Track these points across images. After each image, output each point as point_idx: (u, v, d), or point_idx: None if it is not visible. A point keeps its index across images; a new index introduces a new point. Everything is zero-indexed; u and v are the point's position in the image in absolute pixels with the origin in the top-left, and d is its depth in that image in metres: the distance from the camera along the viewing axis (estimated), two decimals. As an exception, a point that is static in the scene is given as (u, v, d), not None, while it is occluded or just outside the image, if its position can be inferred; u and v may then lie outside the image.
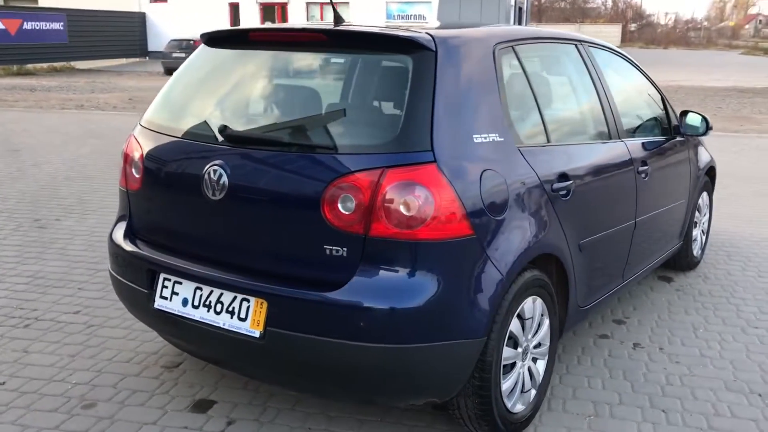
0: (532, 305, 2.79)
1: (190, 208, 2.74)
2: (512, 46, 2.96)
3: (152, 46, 36.33)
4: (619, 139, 3.55)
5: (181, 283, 2.72)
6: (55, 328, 3.81)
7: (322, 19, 34.92)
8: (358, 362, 2.40)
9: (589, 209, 3.18)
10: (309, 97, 2.83)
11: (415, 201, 2.34)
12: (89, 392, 3.15)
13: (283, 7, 35.18)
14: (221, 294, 2.61)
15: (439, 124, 2.44)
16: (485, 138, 2.60)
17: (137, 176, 2.94)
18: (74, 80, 23.85)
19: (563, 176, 2.95)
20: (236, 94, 3.00)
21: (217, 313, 2.60)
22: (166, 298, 2.75)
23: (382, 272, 2.38)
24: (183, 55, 27.61)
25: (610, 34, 62.96)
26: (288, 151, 2.54)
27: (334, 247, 2.42)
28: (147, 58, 36.33)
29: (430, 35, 2.60)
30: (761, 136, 12.10)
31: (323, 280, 2.44)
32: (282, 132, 2.66)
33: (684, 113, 4.30)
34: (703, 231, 5.04)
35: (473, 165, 2.52)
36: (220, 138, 2.65)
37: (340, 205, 2.39)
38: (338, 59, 2.94)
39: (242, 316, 2.55)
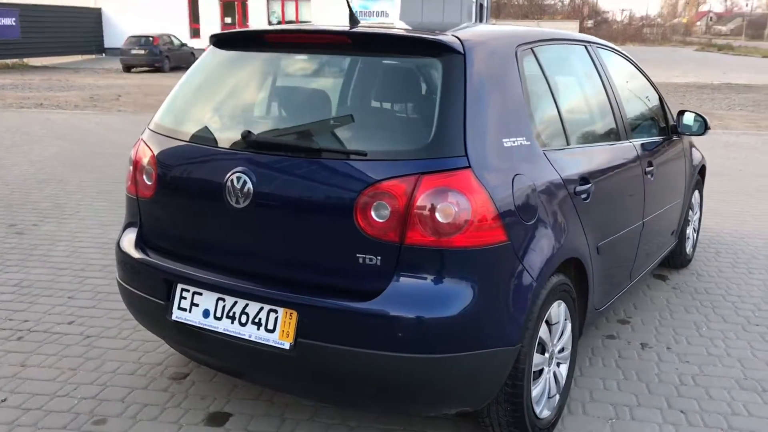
0: (558, 310, 2.77)
1: (210, 217, 2.64)
2: (531, 48, 2.93)
3: (109, 43, 35.63)
4: (627, 140, 3.56)
5: (201, 293, 2.62)
6: (51, 340, 3.67)
7: (283, 15, 34.59)
8: (395, 372, 2.35)
9: (605, 211, 3.17)
10: (332, 101, 2.75)
11: (451, 208, 2.29)
12: (97, 407, 3.03)
13: (244, 3, 34.74)
14: (246, 305, 2.52)
15: (472, 128, 2.40)
16: (514, 142, 2.57)
17: (149, 183, 2.83)
18: (29, 78, 23.21)
19: (584, 179, 2.93)
20: (254, 98, 2.91)
21: (242, 325, 2.52)
22: (184, 310, 2.65)
23: (418, 281, 2.33)
24: (142, 51, 27.12)
25: (568, 30, 63.69)
26: (317, 157, 2.46)
27: (367, 256, 2.35)
28: (104, 54, 35.61)
29: (457, 38, 2.55)
30: (726, 132, 12.36)
31: (356, 289, 2.37)
32: (309, 138, 2.58)
33: (681, 113, 4.33)
34: (694, 229, 5.10)
35: (505, 170, 2.48)
36: (243, 144, 2.56)
37: (373, 213, 2.33)
38: (361, 62, 2.86)
39: (269, 327, 2.46)
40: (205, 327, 2.59)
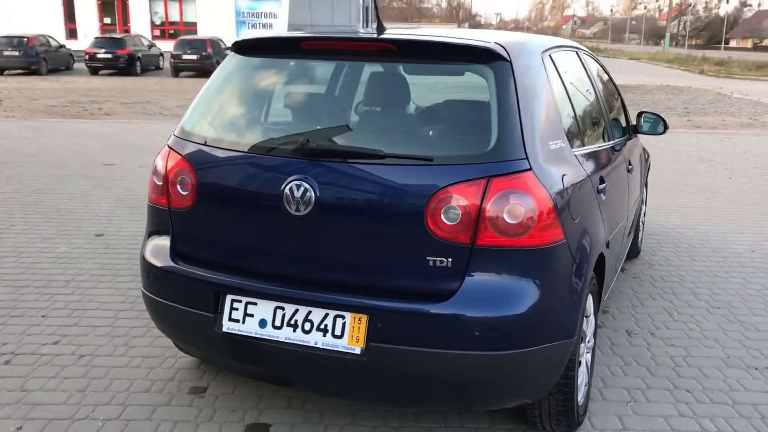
0: (589, 302, 2.93)
1: (264, 225, 2.60)
2: (550, 54, 3.07)
3: (-27, 44, 33.19)
4: (612, 139, 3.79)
5: (255, 303, 2.59)
6: (43, 362, 3.46)
7: (166, 16, 33.50)
8: (471, 370, 2.42)
9: (612, 207, 3.37)
10: (384, 107, 2.77)
11: (519, 209, 2.39)
12: (126, 428, 2.91)
13: (124, 2, 33.36)
14: (309, 312, 2.51)
15: (527, 132, 2.50)
16: (556, 144, 2.70)
17: (185, 193, 2.74)
18: None
19: (601, 178, 3.11)
20: (297, 105, 2.88)
21: (306, 332, 2.51)
22: (237, 321, 2.60)
23: (489, 280, 2.41)
24: (17, 53, 25.50)
25: (447, 33, 65.27)
26: (380, 163, 2.48)
27: (437, 258, 2.41)
28: (-32, 56, 33.13)
29: (500, 44, 2.65)
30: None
31: (427, 291, 2.42)
32: (370, 144, 2.59)
33: (641, 114, 4.63)
34: (642, 221, 5.46)
35: (556, 171, 2.60)
36: (300, 151, 2.54)
37: (443, 216, 2.39)
38: (407, 69, 2.89)
39: (337, 333, 2.47)
40: (262, 337, 2.55)
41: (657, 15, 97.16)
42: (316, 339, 2.49)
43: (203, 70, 25.64)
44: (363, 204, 2.49)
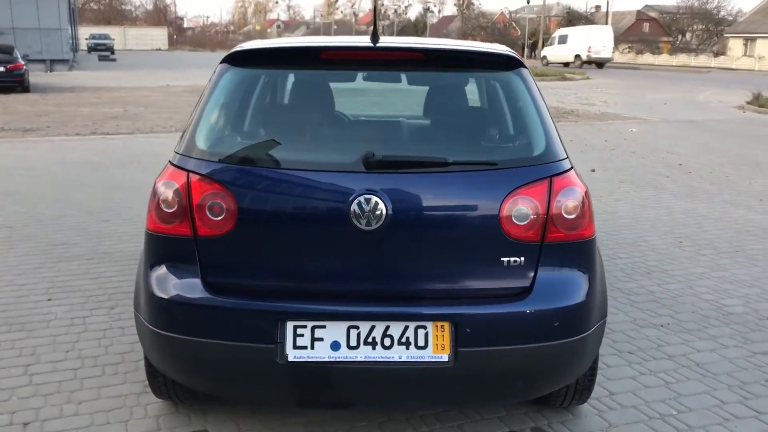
0: None
1: (328, 244, 2.46)
2: None
3: None
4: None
5: (324, 326, 2.45)
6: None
7: None
8: (548, 360, 2.55)
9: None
10: (428, 115, 2.75)
11: (576, 204, 2.58)
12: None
13: None
14: (387, 327, 2.45)
15: (559, 133, 2.71)
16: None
17: (218, 219, 2.47)
18: None
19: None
20: (335, 118, 2.72)
21: (387, 348, 2.44)
22: (304, 348, 2.44)
23: (558, 274, 2.57)
24: None
25: (156, 37, 62.97)
26: (448, 171, 2.50)
27: (511, 258, 2.51)
28: None
29: (511, 52, 2.82)
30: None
31: (501, 290, 2.52)
32: (433, 152, 2.57)
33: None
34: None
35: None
36: (363, 165, 2.45)
37: (515, 217, 2.49)
38: (437, 77, 2.87)
39: (421, 344, 2.45)
40: (338, 360, 2.44)
41: (354, 21, 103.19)
42: (399, 353, 2.44)
43: None
44: (435, 212, 2.49)
